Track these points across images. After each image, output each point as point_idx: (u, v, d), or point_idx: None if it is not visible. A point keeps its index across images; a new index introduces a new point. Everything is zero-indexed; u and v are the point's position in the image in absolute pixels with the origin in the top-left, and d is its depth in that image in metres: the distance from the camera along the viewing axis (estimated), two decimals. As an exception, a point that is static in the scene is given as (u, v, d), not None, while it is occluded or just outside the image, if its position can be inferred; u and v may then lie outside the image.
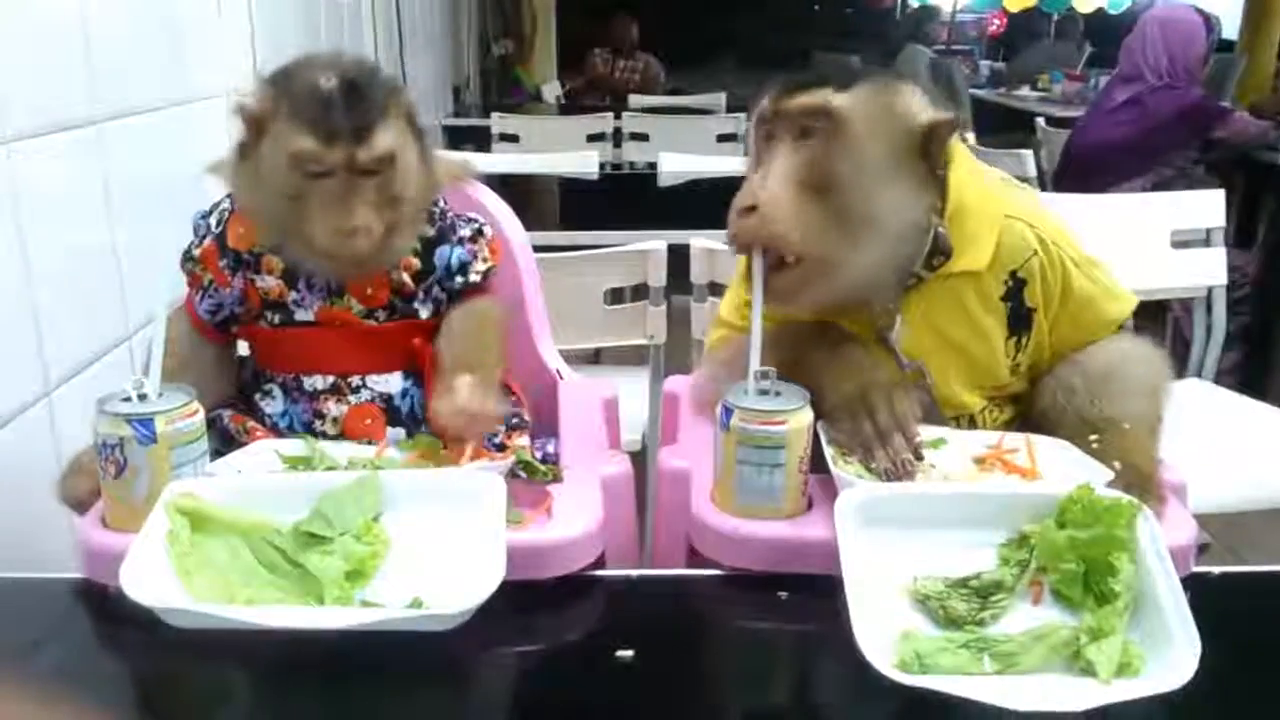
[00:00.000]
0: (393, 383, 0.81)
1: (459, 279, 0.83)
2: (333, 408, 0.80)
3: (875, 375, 0.72)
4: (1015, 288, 0.76)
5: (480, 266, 0.83)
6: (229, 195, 0.82)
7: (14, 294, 0.87)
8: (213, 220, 0.81)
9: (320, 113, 0.71)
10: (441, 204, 0.84)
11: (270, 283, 0.79)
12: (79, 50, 0.98)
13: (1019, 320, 0.77)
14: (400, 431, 0.80)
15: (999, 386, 0.79)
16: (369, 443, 0.77)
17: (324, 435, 0.79)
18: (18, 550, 0.82)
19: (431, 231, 0.82)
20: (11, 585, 0.67)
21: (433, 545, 0.62)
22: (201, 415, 0.66)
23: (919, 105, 0.72)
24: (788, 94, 0.72)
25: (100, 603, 0.63)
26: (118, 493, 0.64)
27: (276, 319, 0.81)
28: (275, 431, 0.80)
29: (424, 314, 0.82)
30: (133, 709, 0.58)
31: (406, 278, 0.81)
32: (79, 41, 0.97)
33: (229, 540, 0.61)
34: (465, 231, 0.84)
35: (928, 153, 0.72)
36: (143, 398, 0.64)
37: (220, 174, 0.79)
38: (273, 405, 0.81)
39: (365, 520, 0.62)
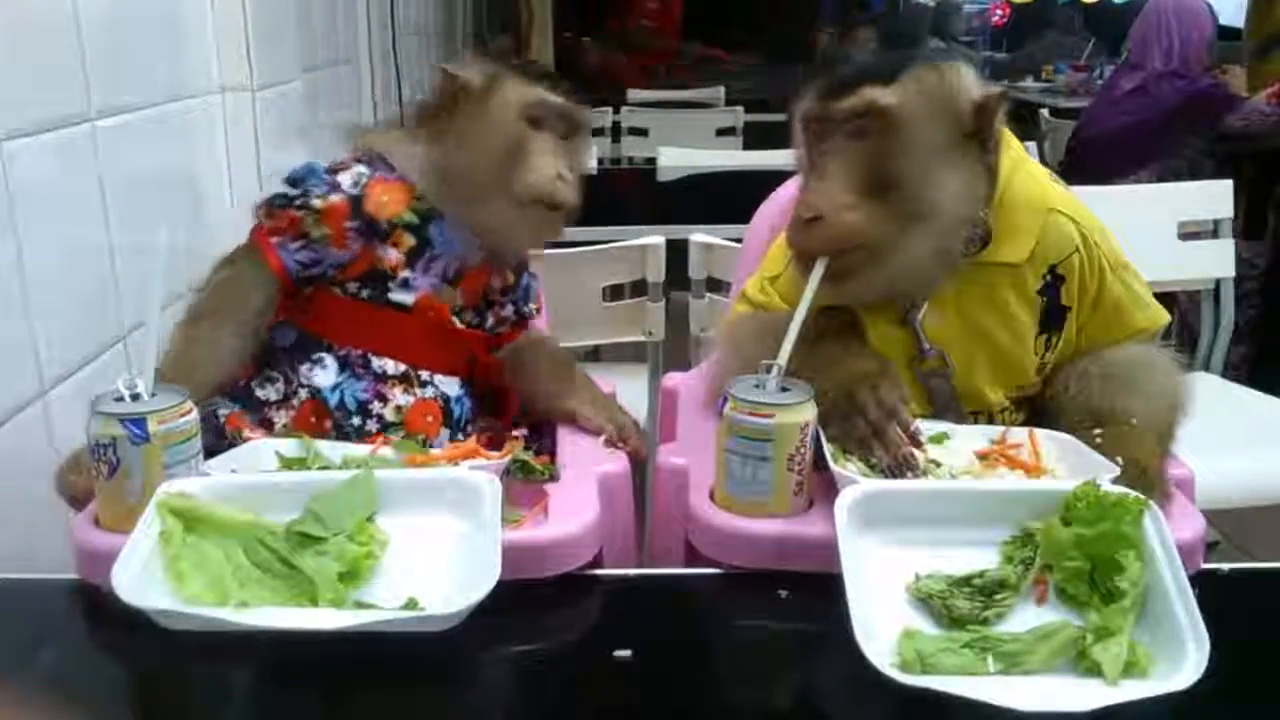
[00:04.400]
0: (453, 386, 0.82)
1: (528, 306, 0.90)
2: (399, 395, 0.80)
3: (854, 367, 0.71)
4: (1053, 283, 0.75)
5: (536, 299, 0.91)
6: (368, 164, 0.82)
7: (8, 293, 0.86)
8: (345, 180, 0.81)
9: (540, 71, 0.83)
10: None
11: (393, 256, 0.80)
12: (72, 46, 0.97)
13: (1052, 318, 0.76)
14: (445, 434, 0.81)
15: (1023, 386, 0.77)
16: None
17: (381, 420, 0.79)
18: (13, 551, 0.82)
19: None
20: (6, 586, 0.66)
21: (428, 545, 0.61)
22: (195, 415, 0.65)
23: (967, 82, 0.71)
24: (834, 95, 0.70)
25: (94, 603, 0.62)
26: (111, 493, 0.64)
27: (365, 293, 0.80)
28: (318, 403, 0.79)
29: (489, 323, 0.85)
30: (127, 710, 0.57)
31: (497, 285, 0.85)
32: (72, 37, 0.97)
33: (222, 541, 0.60)
34: (530, 265, 0.90)
35: (980, 131, 0.70)
36: (135, 397, 0.64)
37: (377, 145, 0.83)
38: (322, 376, 0.80)
39: (359, 520, 0.62)
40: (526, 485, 0.72)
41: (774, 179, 1.03)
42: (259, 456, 0.71)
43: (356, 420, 0.80)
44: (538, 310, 0.92)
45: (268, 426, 0.80)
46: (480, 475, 0.64)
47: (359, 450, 0.73)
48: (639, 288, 1.36)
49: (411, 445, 0.75)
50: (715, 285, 1.33)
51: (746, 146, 2.71)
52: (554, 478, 0.73)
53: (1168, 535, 0.56)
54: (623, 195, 2.17)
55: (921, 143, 0.69)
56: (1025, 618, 0.56)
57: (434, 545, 0.61)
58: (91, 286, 1.00)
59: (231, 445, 0.76)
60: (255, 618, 0.55)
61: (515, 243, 0.84)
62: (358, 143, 0.86)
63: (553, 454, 0.80)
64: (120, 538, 0.59)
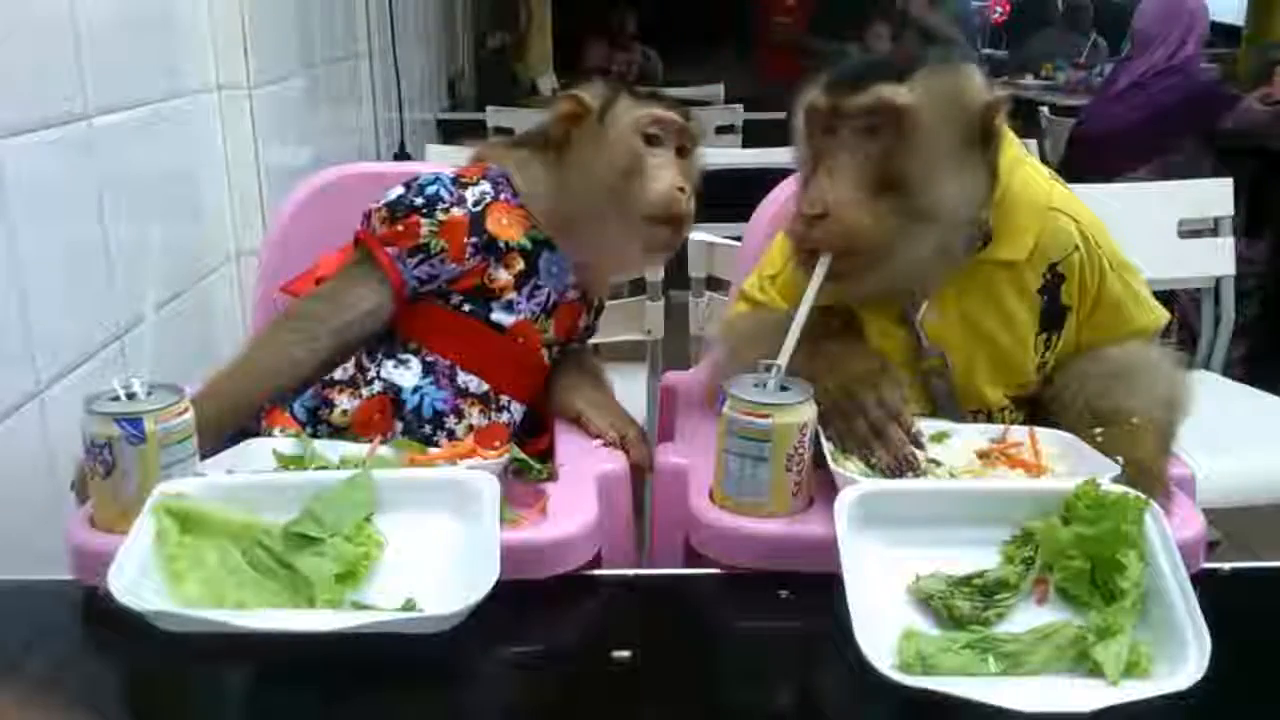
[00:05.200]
0: (517, 412, 0.84)
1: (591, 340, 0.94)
2: (475, 415, 0.81)
3: (854, 367, 0.70)
4: (1054, 282, 0.74)
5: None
6: (494, 182, 0.83)
7: (4, 291, 0.86)
8: (470, 196, 0.81)
9: (655, 93, 0.85)
10: None
11: (503, 277, 0.80)
12: (68, 44, 0.96)
13: (1052, 317, 0.75)
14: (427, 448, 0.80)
15: (1023, 385, 0.77)
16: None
17: (452, 435, 0.80)
18: (8, 551, 0.81)
19: (602, 299, 0.91)
20: (1, 587, 0.66)
21: (426, 545, 0.61)
22: (191, 414, 0.65)
23: (977, 85, 0.70)
24: (846, 91, 0.69)
25: (90, 604, 0.62)
26: (107, 492, 0.63)
27: (468, 308, 0.81)
28: (391, 401, 0.79)
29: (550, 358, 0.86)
30: (123, 711, 0.57)
31: (584, 322, 0.88)
32: (68, 35, 0.96)
33: (219, 542, 0.60)
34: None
35: (986, 135, 0.70)
36: (131, 397, 0.63)
37: (503, 163, 0.85)
38: (405, 376, 0.80)
39: (357, 520, 0.61)
40: (525, 485, 0.72)
41: (774, 177, 1.02)
42: (256, 455, 0.71)
43: (428, 429, 0.80)
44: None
45: (325, 405, 0.80)
46: (479, 475, 0.64)
47: (357, 449, 0.73)
48: (638, 286, 1.36)
49: (410, 444, 0.74)
50: (715, 284, 1.33)
51: (746, 144, 2.71)
52: (552, 477, 0.73)
53: (1169, 534, 0.56)
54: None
55: (932, 142, 0.68)
56: (1026, 618, 0.56)
57: (432, 546, 0.61)
58: (88, 285, 0.99)
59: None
60: (252, 619, 0.55)
61: (632, 261, 0.86)
62: (481, 153, 0.88)
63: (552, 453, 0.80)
64: (116, 538, 0.59)
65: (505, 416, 0.82)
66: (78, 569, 0.64)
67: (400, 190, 0.81)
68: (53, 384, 0.92)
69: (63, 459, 0.82)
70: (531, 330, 0.82)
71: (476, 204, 0.80)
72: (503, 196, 0.82)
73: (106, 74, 1.02)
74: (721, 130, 2.84)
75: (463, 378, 0.80)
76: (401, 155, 2.13)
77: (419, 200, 0.80)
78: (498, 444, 0.74)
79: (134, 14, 1.09)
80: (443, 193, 0.80)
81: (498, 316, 0.80)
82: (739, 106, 2.90)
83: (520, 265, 0.81)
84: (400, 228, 0.79)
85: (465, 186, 0.81)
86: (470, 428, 0.80)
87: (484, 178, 0.83)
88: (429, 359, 0.81)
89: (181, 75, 1.21)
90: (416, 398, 0.79)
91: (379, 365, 0.80)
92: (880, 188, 0.68)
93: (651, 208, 0.80)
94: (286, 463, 0.71)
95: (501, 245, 0.80)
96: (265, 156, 1.34)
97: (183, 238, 1.21)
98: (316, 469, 0.69)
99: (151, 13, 1.14)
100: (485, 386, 0.81)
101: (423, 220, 0.79)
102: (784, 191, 1.00)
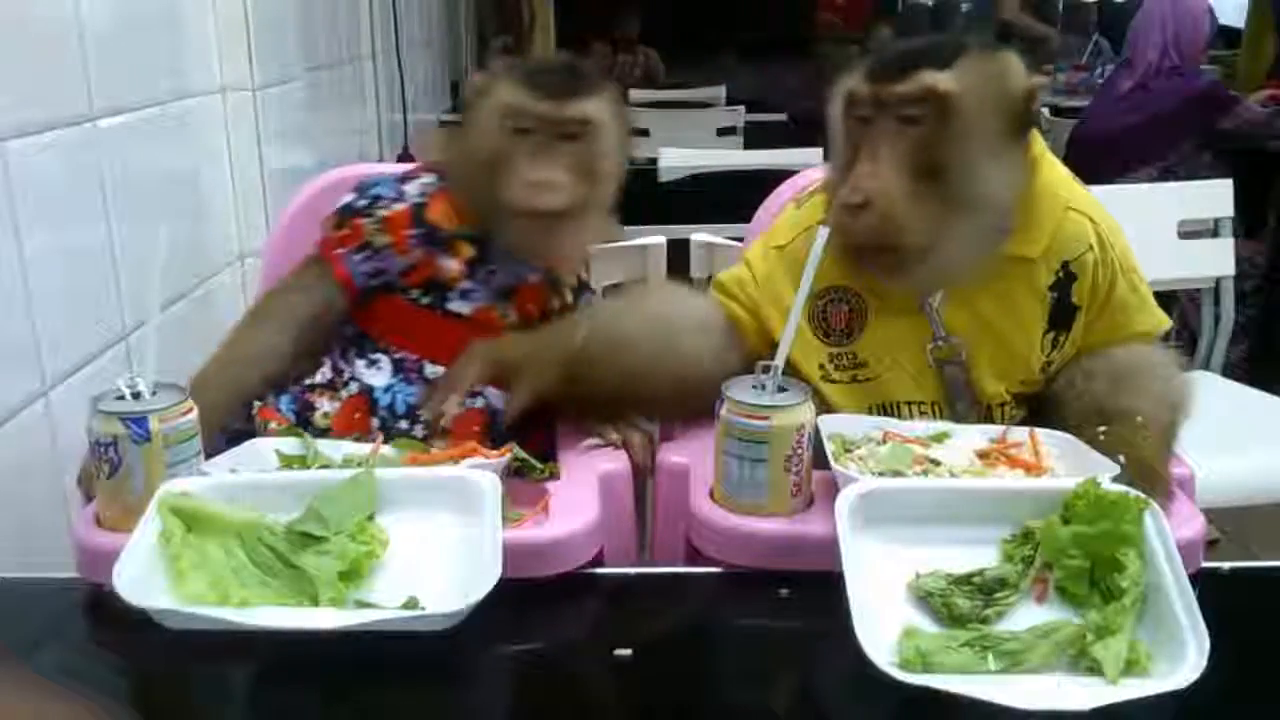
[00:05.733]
0: (501, 399, 0.82)
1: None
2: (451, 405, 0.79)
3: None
4: (1065, 280, 0.74)
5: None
6: (436, 171, 0.82)
7: (10, 292, 0.86)
8: (410, 189, 0.81)
9: (533, 73, 0.79)
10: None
11: (454, 267, 0.80)
12: (74, 46, 0.97)
13: (1061, 316, 0.75)
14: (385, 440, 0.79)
15: (1026, 382, 0.77)
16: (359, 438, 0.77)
17: (427, 425, 0.79)
18: (14, 550, 0.82)
19: (581, 278, 0.89)
20: (6, 585, 0.66)
21: (428, 544, 0.61)
22: (196, 414, 0.65)
23: (1019, 71, 0.69)
24: (887, 77, 0.67)
25: (95, 603, 0.62)
26: (112, 491, 0.64)
27: (426, 300, 0.80)
28: (368, 399, 0.79)
29: None
30: (127, 710, 0.57)
31: (557, 305, 0.84)
32: (73, 37, 0.97)
33: (223, 540, 0.60)
34: (590, 285, 0.91)
35: (1025, 122, 0.69)
36: (137, 396, 0.64)
37: (438, 147, 0.82)
38: (378, 377, 0.80)
39: (360, 519, 0.62)
40: (527, 484, 0.72)
41: (775, 178, 1.03)
42: (259, 455, 0.71)
43: (404, 424, 0.80)
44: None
45: (308, 409, 0.80)
46: (481, 474, 0.64)
47: (360, 449, 0.74)
48: (640, 287, 1.36)
49: (413, 444, 0.75)
50: (716, 285, 1.33)
51: (747, 146, 2.71)
52: (554, 476, 0.73)
53: (1168, 534, 0.56)
54: (624, 195, 2.17)
55: (977, 131, 0.67)
56: (1025, 616, 0.56)
57: (435, 544, 0.61)
58: (93, 286, 1.00)
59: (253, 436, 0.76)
60: (255, 617, 0.55)
61: (527, 255, 0.83)
62: (437, 144, 0.89)
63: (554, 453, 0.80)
64: (121, 537, 0.59)
65: (480, 402, 0.81)
66: (83, 567, 0.64)
67: (350, 196, 0.83)
68: (58, 384, 0.93)
69: (68, 458, 0.82)
70: (492, 316, 0.81)
71: (421, 193, 0.81)
72: (443, 187, 0.82)
73: (111, 76, 1.02)
74: (723, 132, 2.85)
75: (431, 370, 0.80)
76: (405, 157, 2.13)
77: (362, 203, 0.81)
78: (476, 429, 0.75)
79: (139, 16, 1.09)
80: (384, 191, 0.81)
81: (455, 306, 0.80)
82: (740, 108, 2.90)
83: (470, 252, 0.80)
84: (347, 230, 0.81)
85: (407, 181, 0.82)
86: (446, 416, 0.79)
87: (430, 170, 0.83)
88: (397, 356, 0.81)
89: (186, 77, 1.21)
90: (389, 395, 0.80)
91: (352, 366, 0.81)
92: (922, 177, 0.66)
93: (510, 203, 0.77)
94: (289, 462, 0.71)
95: (444, 235, 0.80)
96: (269, 158, 1.34)
97: (187, 238, 1.22)
98: (319, 468, 0.70)
99: (156, 15, 1.14)
100: None
101: (365, 220, 0.80)
102: (785, 192, 1.00)
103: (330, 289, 0.81)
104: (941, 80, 0.66)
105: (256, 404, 0.81)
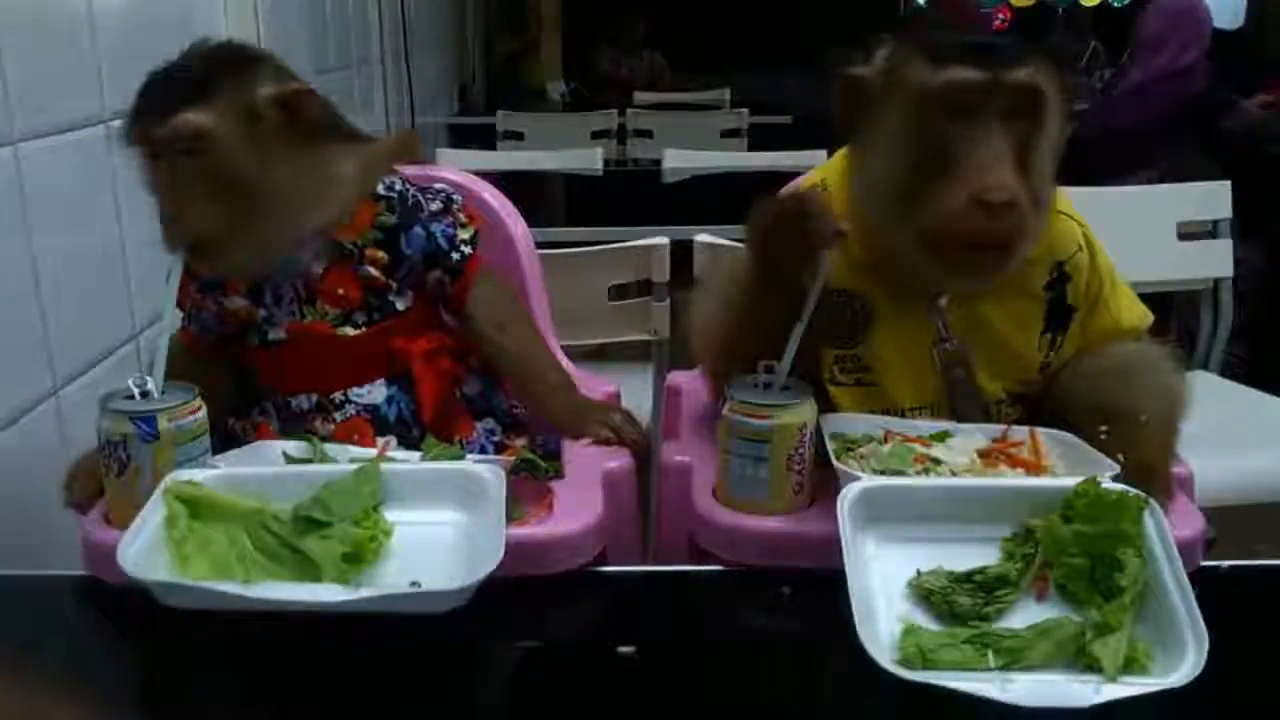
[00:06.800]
0: (376, 392, 0.79)
1: (454, 255, 0.80)
2: (320, 427, 0.78)
3: None
4: (1059, 280, 0.74)
5: (465, 235, 0.81)
6: None
7: (22, 291, 0.87)
8: None
9: (137, 98, 0.72)
10: (399, 186, 0.79)
11: (238, 303, 0.77)
12: (86, 49, 0.98)
13: (1058, 317, 0.75)
14: (392, 439, 0.78)
15: (1025, 381, 0.77)
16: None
17: (324, 439, 0.77)
18: (25, 547, 0.82)
19: (393, 219, 0.78)
20: (17, 582, 0.67)
21: (432, 534, 0.62)
22: (204, 413, 0.66)
23: (1064, 71, 0.69)
24: (1002, 65, 0.64)
25: (103, 600, 0.63)
26: (121, 490, 0.64)
27: (255, 340, 0.78)
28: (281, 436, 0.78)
29: (400, 305, 0.79)
30: (135, 705, 0.58)
31: (374, 271, 0.77)
32: (86, 40, 0.98)
33: (227, 526, 0.60)
34: (434, 206, 0.80)
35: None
36: (145, 395, 0.65)
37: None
38: (272, 427, 0.79)
39: (365, 509, 0.62)
40: (532, 482, 0.72)
41: (779, 180, 1.03)
42: (265, 457, 0.71)
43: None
44: (473, 241, 0.81)
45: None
46: (485, 468, 0.65)
47: (366, 453, 0.74)
48: (644, 288, 1.37)
49: (440, 448, 0.73)
50: (719, 286, 1.33)
51: (751, 148, 2.72)
52: (559, 475, 0.74)
53: (1167, 533, 0.57)
54: (628, 196, 2.18)
55: (1055, 127, 0.67)
56: (1026, 614, 0.57)
57: (438, 534, 0.62)
58: (104, 286, 1.01)
59: (241, 443, 0.76)
60: (257, 591, 0.54)
61: (211, 274, 0.77)
62: None
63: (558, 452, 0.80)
64: (130, 533, 0.60)
65: (351, 410, 0.78)
66: (93, 565, 0.64)
67: None
68: (69, 383, 0.94)
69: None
70: (307, 325, 0.77)
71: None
72: None
73: (124, 78, 1.03)
74: (727, 134, 2.86)
75: (294, 403, 0.78)
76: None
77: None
78: (364, 435, 0.74)
79: (151, 19, 1.10)
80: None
81: (272, 335, 0.77)
82: (744, 110, 2.91)
83: (244, 285, 0.77)
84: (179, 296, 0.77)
85: None
86: (325, 439, 0.75)
87: None
88: (272, 400, 0.79)
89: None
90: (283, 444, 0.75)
91: (251, 420, 0.79)
92: (1023, 172, 0.65)
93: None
94: (296, 463, 0.71)
95: (211, 279, 0.76)
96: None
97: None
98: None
99: (168, 17, 1.15)
100: (314, 397, 0.78)
101: (176, 286, 0.75)
102: (787, 192, 1.00)
103: (185, 351, 0.79)
104: (1033, 74, 0.65)
105: (259, 420, 0.79)
